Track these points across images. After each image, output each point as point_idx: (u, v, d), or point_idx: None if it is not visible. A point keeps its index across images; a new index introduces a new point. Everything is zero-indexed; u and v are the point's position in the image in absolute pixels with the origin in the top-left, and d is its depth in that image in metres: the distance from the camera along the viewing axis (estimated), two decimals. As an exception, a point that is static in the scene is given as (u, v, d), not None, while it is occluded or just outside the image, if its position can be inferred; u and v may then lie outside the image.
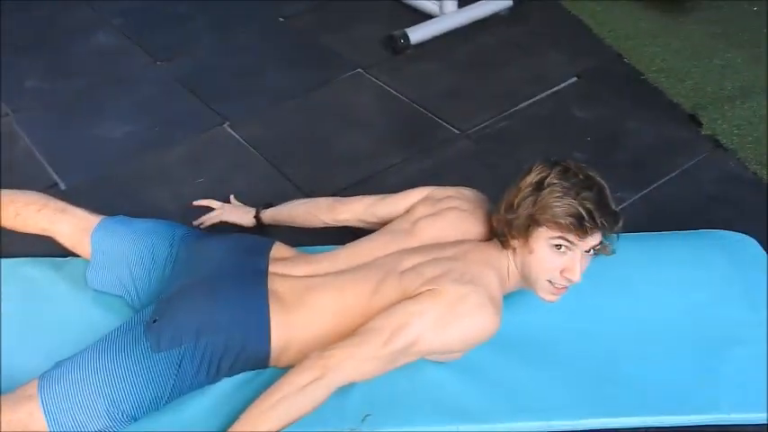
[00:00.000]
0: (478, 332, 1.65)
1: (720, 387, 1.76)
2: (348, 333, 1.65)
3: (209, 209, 2.24)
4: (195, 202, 2.27)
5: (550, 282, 1.69)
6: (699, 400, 1.75)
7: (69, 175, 2.50)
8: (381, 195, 1.98)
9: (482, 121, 2.73)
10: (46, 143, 2.64)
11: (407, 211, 1.89)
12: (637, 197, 2.37)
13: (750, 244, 2.13)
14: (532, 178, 1.66)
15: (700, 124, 2.66)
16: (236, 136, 2.68)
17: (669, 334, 1.88)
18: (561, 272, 1.66)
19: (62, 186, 2.45)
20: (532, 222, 1.64)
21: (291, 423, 1.55)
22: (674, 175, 2.47)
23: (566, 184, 1.62)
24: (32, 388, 1.59)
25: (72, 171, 2.52)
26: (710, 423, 1.72)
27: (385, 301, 1.67)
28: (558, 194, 1.61)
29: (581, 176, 1.64)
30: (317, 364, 1.57)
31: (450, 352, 1.72)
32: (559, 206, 1.60)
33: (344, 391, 1.66)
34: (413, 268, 1.70)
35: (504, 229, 1.70)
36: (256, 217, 2.14)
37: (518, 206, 1.65)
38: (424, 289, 1.64)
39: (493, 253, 1.74)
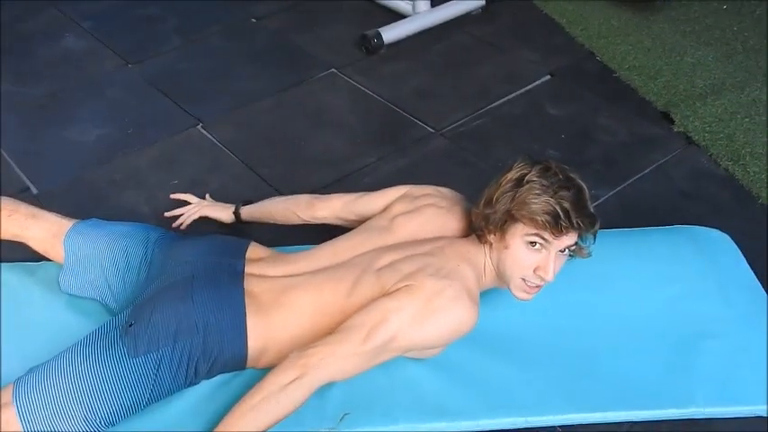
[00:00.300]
0: (456, 325, 1.66)
1: (696, 381, 1.78)
2: (327, 332, 1.65)
3: (186, 203, 2.23)
4: (173, 196, 2.25)
5: (524, 280, 1.69)
6: (675, 394, 1.76)
7: (41, 180, 2.47)
8: (360, 193, 1.98)
9: (457, 119, 2.73)
10: (17, 147, 2.61)
11: (385, 209, 1.89)
12: (610, 194, 2.39)
13: (723, 240, 2.15)
14: (513, 175, 1.67)
15: (672, 121, 2.69)
16: (210, 137, 2.66)
17: (645, 329, 1.90)
18: (535, 270, 1.67)
19: (34, 191, 2.42)
20: (509, 218, 1.65)
21: (274, 424, 1.54)
22: (647, 171, 2.49)
23: (545, 182, 1.63)
24: (7, 395, 1.57)
25: (44, 175, 2.49)
26: (687, 417, 1.74)
27: (362, 299, 1.67)
28: (537, 192, 1.62)
29: (561, 176, 1.65)
30: (297, 363, 1.57)
31: (429, 347, 1.72)
32: (536, 203, 1.61)
33: (323, 390, 1.65)
34: (389, 265, 1.70)
35: (481, 224, 1.71)
36: (235, 213, 2.13)
37: (496, 201, 1.67)
38: (401, 285, 1.64)
39: (470, 249, 1.75)
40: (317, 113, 2.79)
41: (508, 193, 1.65)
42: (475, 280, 1.71)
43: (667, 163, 2.53)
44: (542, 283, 1.69)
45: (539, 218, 1.61)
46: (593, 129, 2.69)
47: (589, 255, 1.75)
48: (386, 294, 1.65)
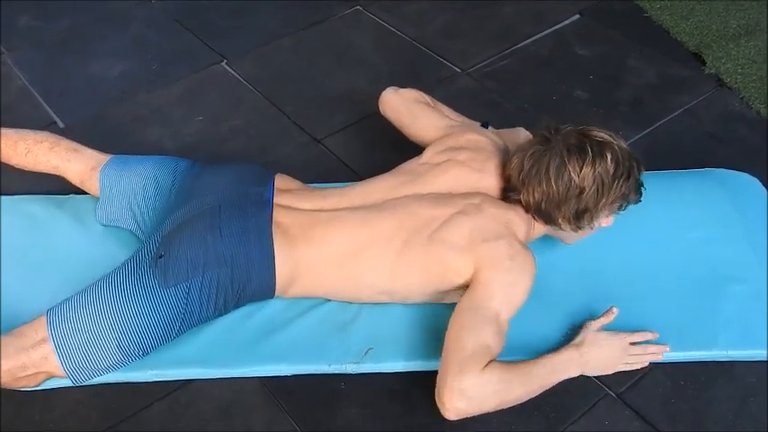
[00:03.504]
0: (531, 274, 1.68)
1: (719, 324, 1.78)
2: (355, 273, 1.69)
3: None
4: None
5: None
6: (697, 336, 1.76)
7: (67, 114, 2.47)
8: (422, 108, 2.06)
9: (483, 59, 2.69)
10: (42, 81, 2.61)
11: (420, 155, 1.89)
12: (639, 136, 2.36)
13: (752, 183, 2.13)
14: (590, 174, 1.67)
15: (703, 63, 2.63)
16: (234, 74, 2.64)
17: (669, 271, 1.89)
18: None
19: (60, 125, 2.43)
20: (600, 216, 1.74)
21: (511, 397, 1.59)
22: (676, 114, 2.45)
23: (634, 174, 1.71)
24: (42, 329, 1.59)
25: (69, 109, 2.49)
26: (709, 359, 1.74)
27: (409, 266, 1.69)
28: (630, 184, 1.71)
29: (627, 154, 1.71)
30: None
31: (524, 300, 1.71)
32: (636, 192, 1.74)
33: (348, 326, 1.67)
34: (437, 232, 1.69)
35: (560, 223, 1.74)
36: None
37: (590, 205, 1.70)
38: (468, 265, 1.66)
39: (516, 213, 1.76)
40: (341, 51, 2.76)
41: (602, 199, 1.69)
42: (523, 232, 1.74)
43: (697, 105, 2.48)
44: None
45: (635, 198, 1.75)
46: (621, 70, 2.64)
47: None
48: (468, 288, 1.66)
